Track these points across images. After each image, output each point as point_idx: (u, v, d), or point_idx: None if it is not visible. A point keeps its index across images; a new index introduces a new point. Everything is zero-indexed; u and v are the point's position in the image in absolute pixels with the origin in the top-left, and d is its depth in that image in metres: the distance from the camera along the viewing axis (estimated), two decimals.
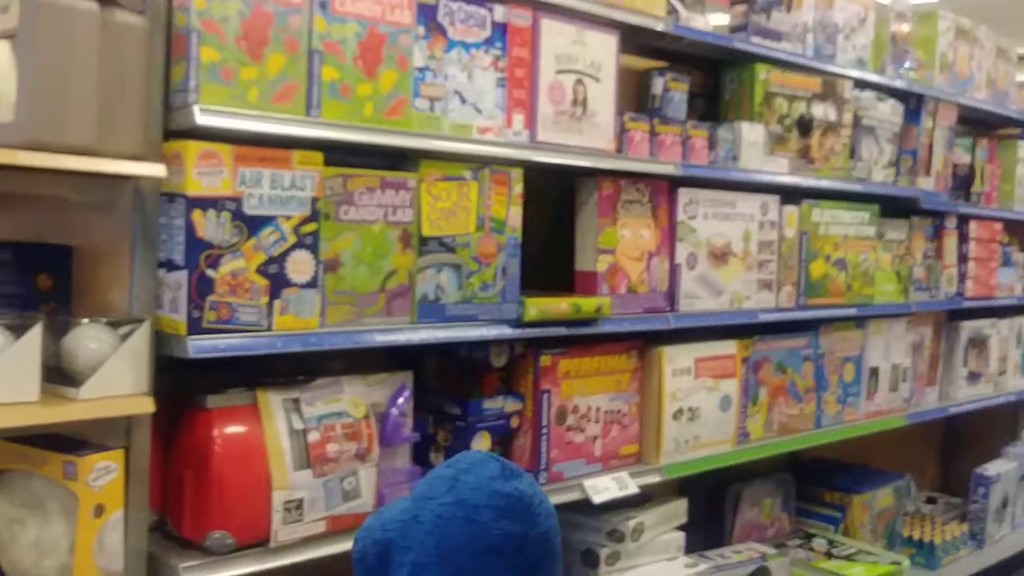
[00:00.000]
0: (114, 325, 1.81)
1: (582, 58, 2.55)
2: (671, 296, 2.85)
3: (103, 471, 1.75)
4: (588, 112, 2.57)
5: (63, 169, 1.70)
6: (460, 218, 2.31)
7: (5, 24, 1.74)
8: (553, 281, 2.69)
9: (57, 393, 1.75)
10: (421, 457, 2.42)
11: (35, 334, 1.69)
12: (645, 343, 2.82)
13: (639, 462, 2.82)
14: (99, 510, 1.74)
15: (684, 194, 2.87)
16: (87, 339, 1.77)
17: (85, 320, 1.78)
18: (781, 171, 3.15)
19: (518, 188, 2.42)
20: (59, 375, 1.76)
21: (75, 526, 1.74)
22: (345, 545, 2.11)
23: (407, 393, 2.28)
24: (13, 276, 1.97)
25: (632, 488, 2.70)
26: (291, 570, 2.03)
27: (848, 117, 3.41)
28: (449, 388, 2.57)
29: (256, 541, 1.97)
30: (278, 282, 1.98)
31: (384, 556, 1.52)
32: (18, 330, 1.69)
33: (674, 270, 2.85)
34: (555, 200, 2.76)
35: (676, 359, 2.86)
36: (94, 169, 1.72)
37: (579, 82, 2.54)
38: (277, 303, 1.98)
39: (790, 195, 3.21)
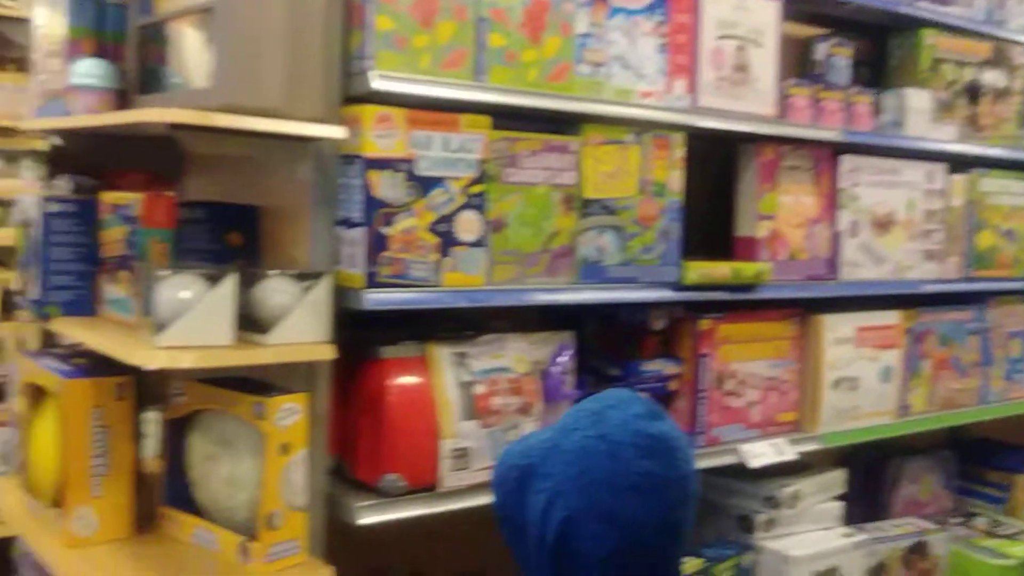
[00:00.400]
0: (298, 278, 1.93)
1: (744, 24, 2.55)
2: (832, 264, 2.82)
3: (288, 412, 1.88)
4: (750, 78, 2.57)
5: (252, 131, 1.82)
6: (622, 181, 2.35)
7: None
8: (714, 247, 2.70)
9: (247, 339, 1.88)
10: None
11: (229, 284, 1.83)
12: (805, 311, 2.80)
13: (797, 430, 2.81)
14: (284, 448, 1.87)
15: (847, 161, 2.83)
16: (274, 291, 1.90)
17: (273, 273, 1.91)
18: (948, 139, 3.06)
19: (679, 152, 2.45)
20: (249, 323, 1.89)
21: (263, 463, 1.87)
22: None
23: (569, 352, 2.34)
24: (207, 234, 2.13)
25: (789, 455, 2.70)
26: (457, 515, 2.13)
27: (1020, 84, 3.29)
28: (609, 350, 2.62)
29: (425, 486, 2.08)
30: (448, 240, 2.07)
31: (523, 481, 1.57)
32: (214, 280, 1.83)
33: (836, 238, 2.82)
34: (716, 166, 2.77)
35: (837, 328, 2.83)
36: (280, 131, 1.85)
37: (741, 48, 2.55)
38: (446, 260, 2.07)
39: (957, 164, 3.13)
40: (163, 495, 2.08)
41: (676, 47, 2.42)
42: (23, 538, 2.17)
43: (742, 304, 2.64)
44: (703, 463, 2.51)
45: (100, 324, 2.09)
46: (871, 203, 2.89)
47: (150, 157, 2.37)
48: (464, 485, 2.12)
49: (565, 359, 2.33)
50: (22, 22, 4.23)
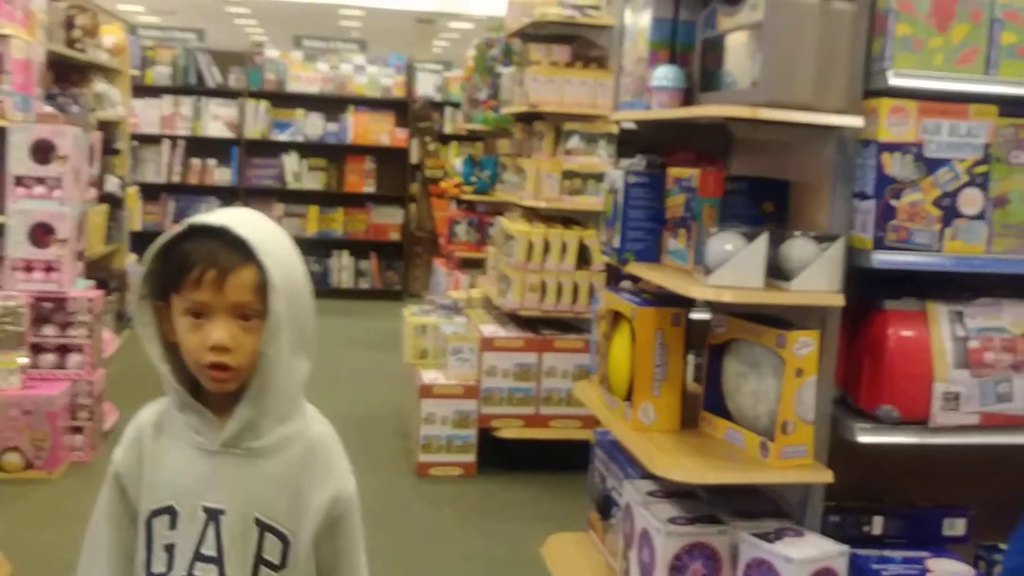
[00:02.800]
0: (817, 240, 2.41)
1: None
2: None
3: (803, 344, 2.37)
4: None
5: (787, 121, 2.34)
6: None
7: (753, 17, 2.42)
8: None
9: (774, 285, 2.41)
10: None
11: (762, 241, 2.37)
12: None
13: None
14: (799, 372, 2.37)
15: None
16: (797, 247, 2.41)
17: (797, 233, 2.42)
18: None
19: None
20: (776, 272, 2.42)
21: (781, 382, 2.39)
22: (997, 438, 2.50)
23: None
24: (747, 202, 2.68)
25: None
26: (944, 449, 2.48)
27: None
28: None
29: (916, 419, 2.46)
30: (950, 213, 2.42)
31: None
32: (750, 237, 2.38)
33: None
34: None
35: None
36: (810, 121, 2.34)
37: None
38: (948, 230, 2.43)
39: None
40: (704, 402, 2.69)
41: None
42: (604, 422, 2.91)
43: None
44: None
45: (662, 268, 2.74)
46: None
47: (701, 140, 2.99)
48: (953, 424, 2.47)
49: None
50: (604, 29, 5.12)
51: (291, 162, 10.12)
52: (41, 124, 4.99)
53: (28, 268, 4.80)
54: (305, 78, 10.13)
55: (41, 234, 4.81)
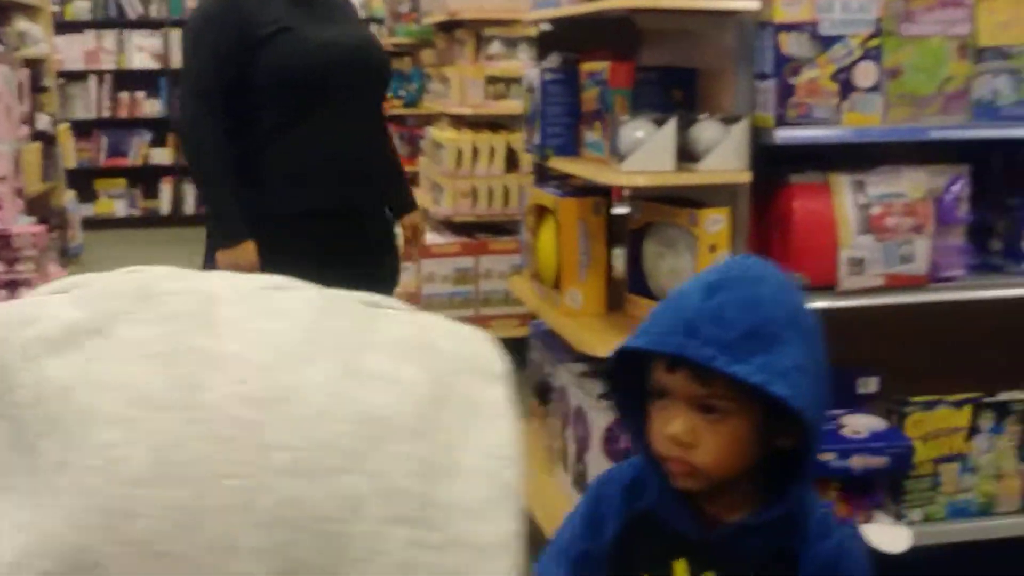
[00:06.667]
0: (723, 121, 2.53)
1: None
2: None
3: (714, 221, 2.51)
4: None
5: (687, 8, 2.43)
6: (1016, 30, 2.64)
7: None
8: None
9: (685, 167, 2.53)
10: (980, 241, 2.86)
11: (670, 125, 2.48)
12: None
13: None
14: (712, 248, 2.51)
15: None
16: (704, 130, 2.52)
17: (703, 116, 2.53)
18: None
19: None
20: (686, 155, 2.54)
21: (696, 259, 2.53)
22: (901, 298, 2.67)
23: (962, 182, 2.71)
24: (657, 91, 2.78)
25: None
26: (853, 312, 2.64)
27: None
28: (1010, 184, 2.92)
29: (825, 285, 2.62)
30: (846, 87, 2.54)
31: None
32: (660, 123, 2.49)
33: None
34: None
35: None
36: (707, 7, 2.44)
37: None
38: (845, 104, 2.55)
39: None
40: (628, 286, 2.83)
41: None
42: (536, 312, 3.04)
43: None
44: None
45: (582, 161, 2.85)
46: None
47: (614, 38, 3.07)
48: (859, 287, 2.63)
49: (958, 188, 2.71)
50: None
51: None
52: None
53: None
54: None
55: None
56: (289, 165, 2.75)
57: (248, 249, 2.66)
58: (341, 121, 2.76)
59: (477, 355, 0.60)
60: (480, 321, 4.85)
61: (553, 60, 3.07)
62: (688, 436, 1.29)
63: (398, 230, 3.13)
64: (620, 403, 1.45)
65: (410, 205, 3.17)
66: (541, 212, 2.92)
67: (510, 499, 0.56)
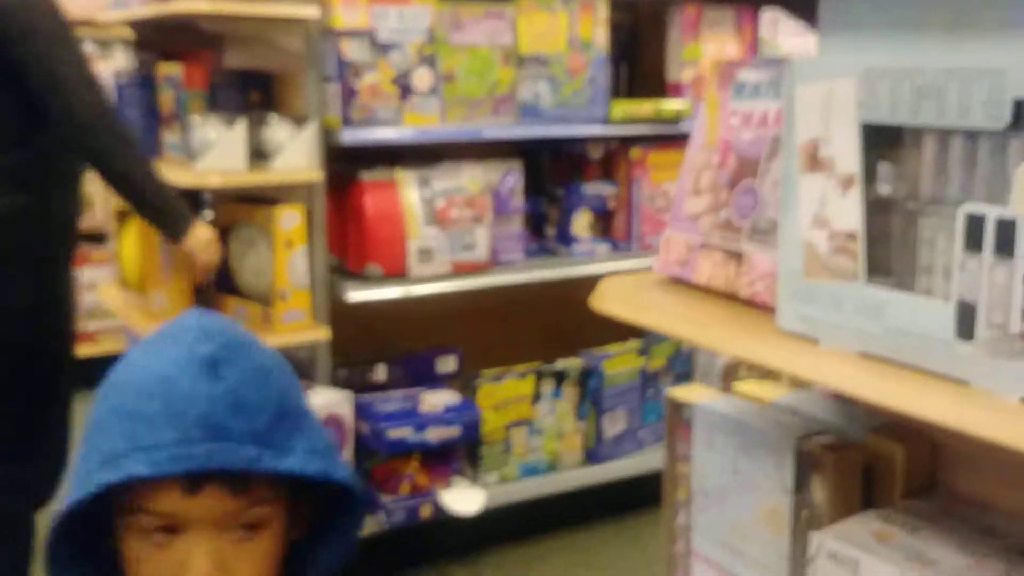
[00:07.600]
0: (295, 121, 2.67)
1: None
2: None
3: (289, 218, 2.64)
4: None
5: (255, 15, 2.54)
6: (552, 39, 3.00)
7: None
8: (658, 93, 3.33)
9: (258, 167, 2.64)
10: (537, 228, 3.21)
11: (241, 126, 2.58)
12: None
13: None
14: (288, 244, 2.64)
15: (767, 13, 3.39)
16: (274, 131, 2.65)
17: (274, 116, 2.65)
18: None
19: (603, 13, 3.07)
20: (259, 155, 2.65)
21: (274, 255, 2.65)
22: (466, 283, 2.93)
23: (515, 176, 3.04)
24: (235, 93, 2.87)
25: None
26: (430, 298, 2.88)
27: None
28: (558, 177, 3.31)
29: (398, 274, 2.83)
30: (405, 91, 2.77)
31: None
32: (230, 124, 2.58)
33: None
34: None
35: None
36: (264, 14, 2.56)
37: None
38: (406, 106, 2.78)
39: None
40: (215, 284, 2.88)
41: None
42: (124, 318, 3.02)
43: (671, 137, 3.27)
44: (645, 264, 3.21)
45: (164, 162, 2.87)
46: (790, 50, 3.45)
47: (204, 41, 3.12)
48: (428, 274, 2.87)
49: (512, 181, 3.04)
50: None
51: None
52: None
53: None
54: None
55: None
56: None
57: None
58: None
59: None
60: (87, 338, 4.66)
61: (128, 63, 3.06)
62: (217, 574, 0.94)
63: None
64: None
65: None
66: (123, 217, 2.91)
67: None
